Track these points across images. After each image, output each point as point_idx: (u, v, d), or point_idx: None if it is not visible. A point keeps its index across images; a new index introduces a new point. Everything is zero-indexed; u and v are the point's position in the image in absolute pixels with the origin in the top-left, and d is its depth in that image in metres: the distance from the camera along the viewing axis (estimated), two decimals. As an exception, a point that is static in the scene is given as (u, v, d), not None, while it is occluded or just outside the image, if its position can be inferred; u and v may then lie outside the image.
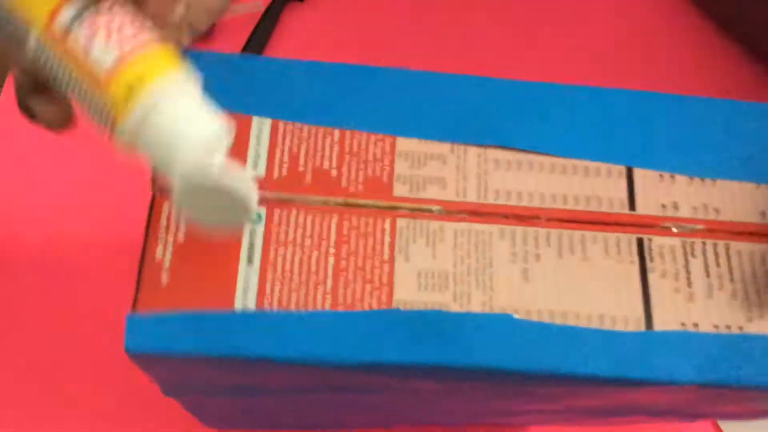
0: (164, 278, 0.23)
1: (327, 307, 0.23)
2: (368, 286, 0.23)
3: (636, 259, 0.24)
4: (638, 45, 0.58)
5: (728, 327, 0.24)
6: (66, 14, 0.21)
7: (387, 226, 0.24)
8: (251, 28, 0.58)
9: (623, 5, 0.59)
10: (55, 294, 0.47)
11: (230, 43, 0.57)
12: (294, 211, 0.24)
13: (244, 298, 0.23)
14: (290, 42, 0.57)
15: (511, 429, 0.43)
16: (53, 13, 0.21)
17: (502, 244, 0.24)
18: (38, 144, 0.51)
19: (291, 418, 0.33)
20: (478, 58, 0.56)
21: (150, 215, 0.24)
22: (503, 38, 0.57)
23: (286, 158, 0.25)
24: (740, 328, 0.24)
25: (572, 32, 0.59)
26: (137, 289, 0.23)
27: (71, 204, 0.50)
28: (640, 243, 0.25)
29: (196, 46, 0.56)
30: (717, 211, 0.25)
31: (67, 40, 0.21)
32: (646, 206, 0.25)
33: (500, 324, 0.23)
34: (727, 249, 0.25)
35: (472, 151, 0.26)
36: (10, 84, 0.53)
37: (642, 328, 0.23)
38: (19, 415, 0.44)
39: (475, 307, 0.23)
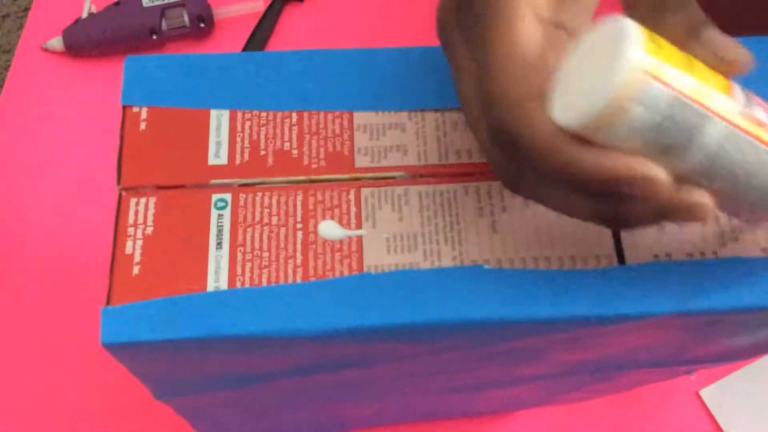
0: (135, 271, 0.23)
1: (298, 279, 0.23)
2: (337, 255, 0.24)
3: (602, 198, 0.25)
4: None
5: (702, 254, 0.24)
6: (739, 92, 0.19)
7: (351, 196, 0.25)
8: (251, 28, 0.59)
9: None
10: (55, 296, 0.48)
11: (230, 43, 0.57)
12: (259, 194, 0.25)
13: (216, 280, 0.23)
14: (290, 42, 0.58)
15: (502, 415, 0.43)
16: (730, 91, 0.19)
17: (468, 200, 0.25)
18: (38, 144, 0.52)
19: (285, 418, 0.33)
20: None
21: (118, 212, 0.24)
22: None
23: (247, 144, 0.26)
24: (714, 253, 0.24)
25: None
26: (110, 284, 0.23)
27: (72, 204, 0.51)
28: (605, 183, 0.25)
29: (196, 47, 0.57)
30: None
31: (752, 120, 0.19)
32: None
33: (472, 276, 0.23)
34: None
35: (430, 116, 0.26)
36: (9, 84, 0.54)
37: (615, 263, 0.24)
38: (18, 416, 0.44)
39: (447, 262, 0.24)
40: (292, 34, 0.58)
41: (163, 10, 0.57)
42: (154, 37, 0.57)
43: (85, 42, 0.56)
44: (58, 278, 0.48)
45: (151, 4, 0.57)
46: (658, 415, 0.45)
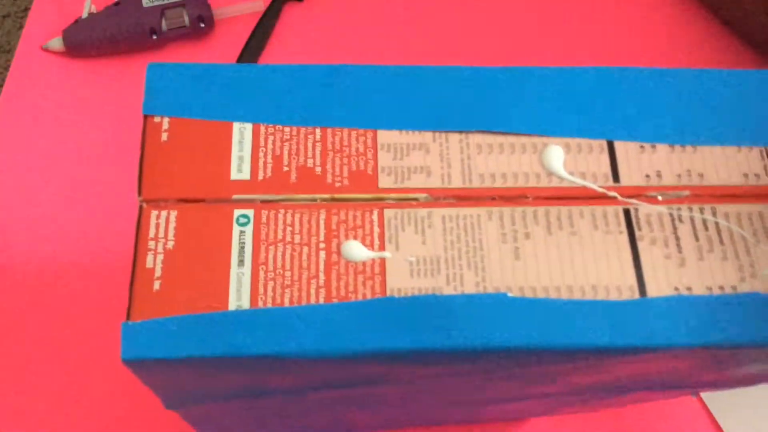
0: (156, 286, 0.23)
1: (321, 300, 0.23)
2: (360, 277, 0.24)
3: (624, 229, 0.25)
4: (638, 40, 0.59)
5: (721, 288, 0.24)
6: None
7: (375, 217, 0.25)
8: (251, 28, 0.59)
9: (624, 3, 0.60)
10: (57, 303, 0.47)
11: (230, 43, 0.57)
12: (282, 211, 0.25)
13: (238, 299, 0.23)
14: (290, 42, 0.58)
15: (508, 423, 0.43)
16: None
17: (491, 226, 0.25)
18: (38, 144, 0.52)
19: (292, 425, 0.33)
20: (476, 56, 0.57)
21: (138, 225, 0.24)
22: (502, 36, 0.58)
23: (269, 160, 0.26)
24: (733, 288, 0.24)
25: (570, 31, 0.60)
26: (130, 299, 0.23)
27: (72, 204, 0.50)
28: (627, 213, 0.25)
29: (196, 47, 0.57)
30: (701, 176, 0.26)
31: None
32: (629, 178, 0.26)
33: (495, 303, 0.24)
34: (714, 212, 0.25)
35: (454, 138, 0.26)
36: (9, 84, 0.53)
37: (636, 296, 0.24)
38: (19, 419, 0.44)
39: (469, 288, 0.24)
40: (292, 34, 0.58)
41: (163, 10, 0.57)
42: (154, 37, 0.57)
43: (85, 42, 0.56)
44: (55, 279, 0.48)
45: (151, 4, 0.57)
46: (658, 414, 0.46)
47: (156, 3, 0.57)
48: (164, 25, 0.57)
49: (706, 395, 0.45)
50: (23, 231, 0.49)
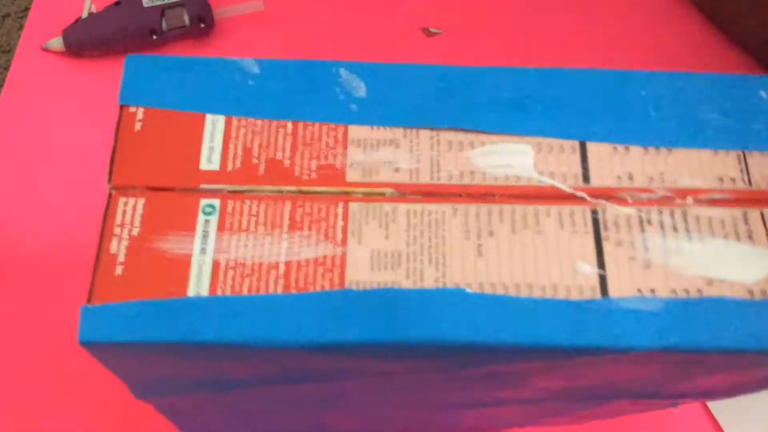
0: (118, 271, 0.25)
1: (279, 290, 0.24)
2: (320, 269, 0.25)
3: (590, 229, 0.26)
4: (628, 42, 0.60)
5: (686, 291, 0.25)
6: None
7: (340, 210, 0.26)
8: (251, 28, 0.60)
9: (620, 6, 0.61)
10: (57, 303, 0.49)
11: (230, 44, 0.59)
12: (248, 202, 0.26)
13: (198, 286, 0.24)
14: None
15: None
16: None
17: (455, 222, 0.26)
18: (38, 144, 0.54)
19: (268, 425, 0.34)
20: (462, 56, 0.58)
21: (106, 211, 0.26)
22: (492, 35, 0.59)
23: (239, 152, 0.27)
24: (699, 291, 0.25)
25: (559, 32, 0.60)
26: (92, 283, 0.24)
27: (72, 204, 0.52)
28: (594, 214, 0.26)
29: (196, 47, 0.59)
30: (674, 179, 0.27)
31: None
32: (600, 179, 0.27)
33: (453, 298, 0.24)
34: (685, 215, 0.26)
35: (425, 135, 0.27)
36: (9, 84, 0.55)
37: (598, 296, 0.25)
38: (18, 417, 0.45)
39: (428, 283, 0.25)
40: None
41: (163, 10, 0.59)
42: (154, 37, 0.59)
43: (85, 42, 0.58)
44: (54, 279, 0.50)
45: (151, 4, 0.59)
46: (658, 414, 0.46)
47: (156, 3, 0.59)
48: (164, 25, 0.59)
49: (706, 394, 0.46)
50: (23, 230, 0.51)
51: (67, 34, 0.58)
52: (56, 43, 0.58)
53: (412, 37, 0.59)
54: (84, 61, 0.59)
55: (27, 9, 1.16)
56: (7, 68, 1.12)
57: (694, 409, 0.46)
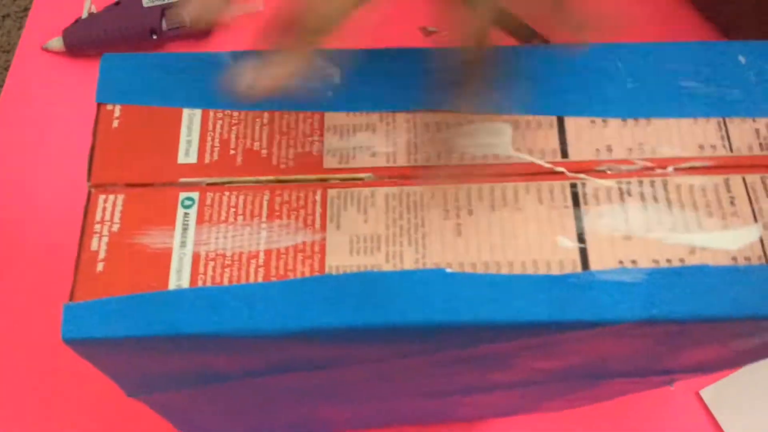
0: (99, 267, 0.25)
1: (260, 279, 0.25)
2: (300, 256, 0.25)
3: (570, 204, 0.26)
4: (624, 36, 0.59)
5: (669, 261, 0.25)
6: None
7: (318, 197, 0.26)
8: (251, 28, 0.61)
9: (620, 6, 0.61)
10: (57, 302, 0.49)
11: (230, 44, 0.59)
12: (226, 193, 0.26)
13: (178, 279, 0.25)
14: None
15: (496, 420, 0.43)
16: None
17: (434, 203, 0.26)
18: (38, 144, 0.54)
19: (260, 419, 0.34)
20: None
21: (86, 209, 0.26)
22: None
23: (217, 144, 0.27)
24: (681, 261, 0.25)
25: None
26: (74, 281, 0.25)
27: (72, 204, 0.52)
28: (573, 188, 0.26)
29: (196, 47, 0.59)
30: (653, 149, 0.26)
31: None
32: (578, 153, 0.27)
33: (433, 279, 0.24)
34: (665, 185, 0.26)
35: (401, 118, 0.27)
36: (9, 84, 0.56)
37: (578, 269, 0.25)
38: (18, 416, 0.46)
39: (408, 265, 0.25)
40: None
41: (163, 10, 0.59)
42: (154, 37, 0.59)
43: (85, 42, 0.58)
44: (54, 278, 0.50)
45: (151, 4, 0.59)
46: (658, 414, 0.46)
47: (156, 3, 0.59)
48: (164, 25, 0.59)
49: (706, 395, 0.46)
50: (23, 230, 0.52)
51: (67, 34, 0.58)
52: (56, 43, 0.59)
53: (411, 37, 0.59)
54: (84, 61, 0.59)
55: (27, 9, 1.17)
56: (7, 68, 1.13)
57: (694, 409, 0.45)
